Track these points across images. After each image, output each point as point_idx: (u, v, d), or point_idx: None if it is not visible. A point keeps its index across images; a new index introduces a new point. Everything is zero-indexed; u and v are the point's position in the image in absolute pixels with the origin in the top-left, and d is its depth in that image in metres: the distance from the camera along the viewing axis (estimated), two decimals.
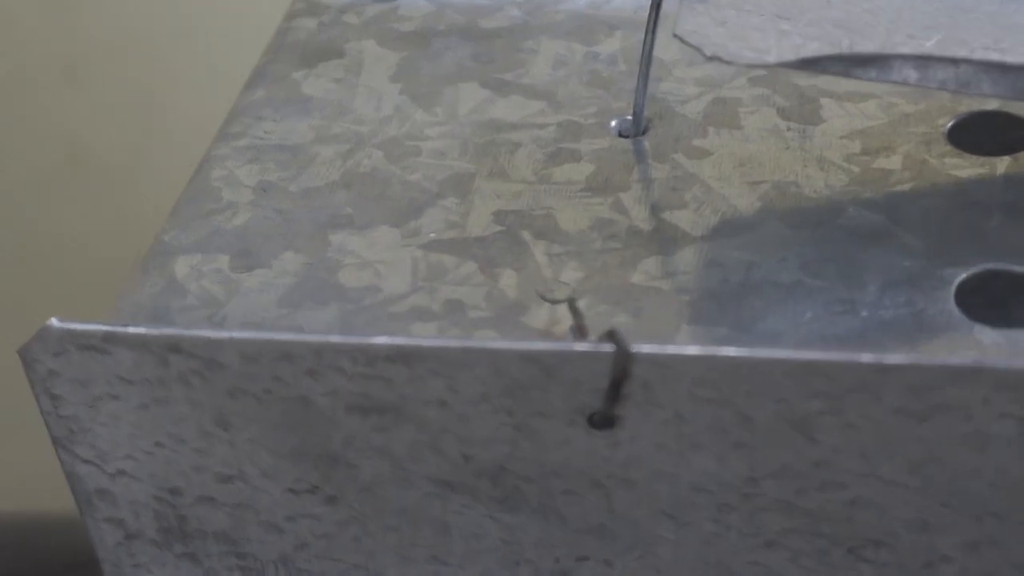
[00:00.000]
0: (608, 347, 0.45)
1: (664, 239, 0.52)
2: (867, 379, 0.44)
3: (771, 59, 0.50)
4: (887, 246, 0.51)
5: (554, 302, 0.49)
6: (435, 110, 0.60)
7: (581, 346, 0.45)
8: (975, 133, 0.57)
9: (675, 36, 0.51)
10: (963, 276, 0.49)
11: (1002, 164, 0.54)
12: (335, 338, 0.46)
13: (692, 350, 0.45)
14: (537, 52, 0.63)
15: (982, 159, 0.55)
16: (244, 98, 0.62)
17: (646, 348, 0.45)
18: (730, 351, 0.44)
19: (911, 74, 0.50)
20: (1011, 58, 0.50)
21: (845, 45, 0.51)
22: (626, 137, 0.58)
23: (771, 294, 0.49)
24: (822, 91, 0.59)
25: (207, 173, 0.58)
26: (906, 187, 0.54)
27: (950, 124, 0.56)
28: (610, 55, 0.62)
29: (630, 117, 0.58)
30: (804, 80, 0.60)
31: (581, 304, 0.50)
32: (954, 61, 0.50)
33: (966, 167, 0.54)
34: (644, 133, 0.58)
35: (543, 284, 0.50)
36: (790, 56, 0.50)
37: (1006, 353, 0.46)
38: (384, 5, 0.67)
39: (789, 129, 0.57)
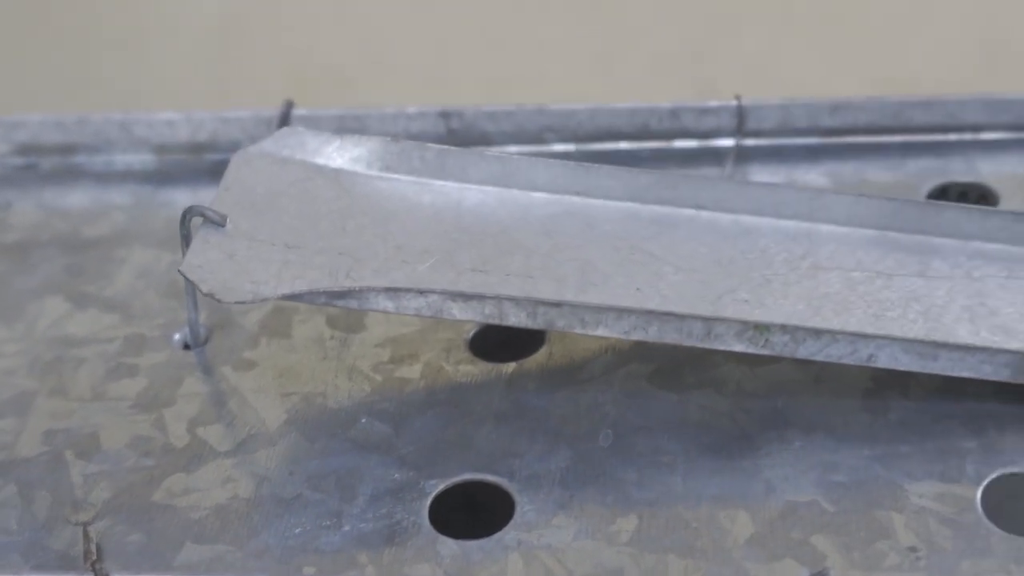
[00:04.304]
0: None
1: (192, 456, 0.57)
2: None
3: (266, 293, 0.55)
4: (385, 457, 0.57)
5: (76, 524, 0.54)
6: (16, 326, 0.65)
7: None
8: (497, 337, 0.62)
9: (179, 272, 0.56)
10: (440, 487, 0.55)
11: (508, 369, 0.60)
12: None
13: None
14: (126, 262, 0.68)
15: (492, 365, 0.60)
16: None
17: None
18: None
19: (387, 304, 0.56)
20: (487, 285, 0.56)
21: (342, 274, 0.56)
22: (189, 348, 0.63)
23: (272, 509, 0.55)
24: None
25: None
26: (419, 396, 0.59)
27: (473, 331, 0.62)
28: None
29: None
30: None
31: (100, 525, 0.55)
32: (421, 292, 0.55)
33: (475, 374, 0.60)
34: (206, 343, 0.63)
35: (72, 505, 0.55)
36: (285, 290, 0.55)
37: (460, 563, 0.52)
38: None
39: (332, 338, 0.63)
